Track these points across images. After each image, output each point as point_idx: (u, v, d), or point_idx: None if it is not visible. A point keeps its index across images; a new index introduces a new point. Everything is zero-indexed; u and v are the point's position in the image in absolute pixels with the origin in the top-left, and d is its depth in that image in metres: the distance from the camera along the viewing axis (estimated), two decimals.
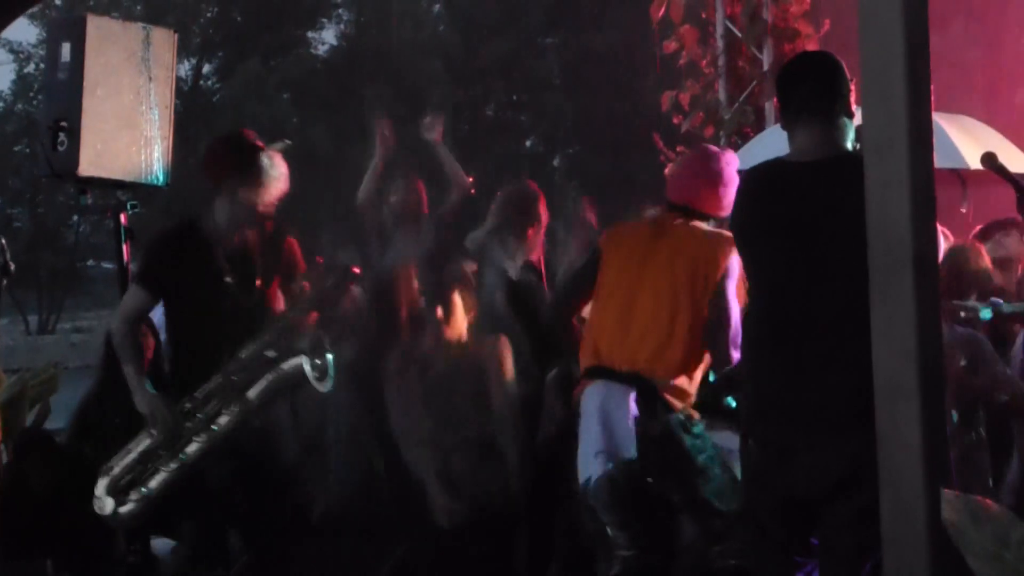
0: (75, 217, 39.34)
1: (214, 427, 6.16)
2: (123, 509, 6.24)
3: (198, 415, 6.19)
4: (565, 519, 6.81)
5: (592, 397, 6.01)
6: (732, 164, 6.26)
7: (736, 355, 5.93)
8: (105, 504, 6.26)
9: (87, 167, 6.46)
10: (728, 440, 5.99)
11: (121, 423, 6.84)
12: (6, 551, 6.81)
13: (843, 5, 11.42)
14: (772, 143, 5.32)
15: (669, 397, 5.92)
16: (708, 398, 6.15)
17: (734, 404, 6.20)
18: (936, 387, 3.54)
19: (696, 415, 6.01)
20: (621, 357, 6.00)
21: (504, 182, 8.88)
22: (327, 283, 6.40)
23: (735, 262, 5.87)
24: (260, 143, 6.36)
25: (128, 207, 6.68)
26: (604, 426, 5.90)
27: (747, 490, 5.20)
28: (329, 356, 6.27)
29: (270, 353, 6.20)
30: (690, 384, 6.02)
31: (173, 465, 6.19)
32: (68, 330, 36.77)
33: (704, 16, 13.40)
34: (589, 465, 5.97)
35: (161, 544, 6.93)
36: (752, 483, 5.06)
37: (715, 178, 6.20)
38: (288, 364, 6.18)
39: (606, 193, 22.85)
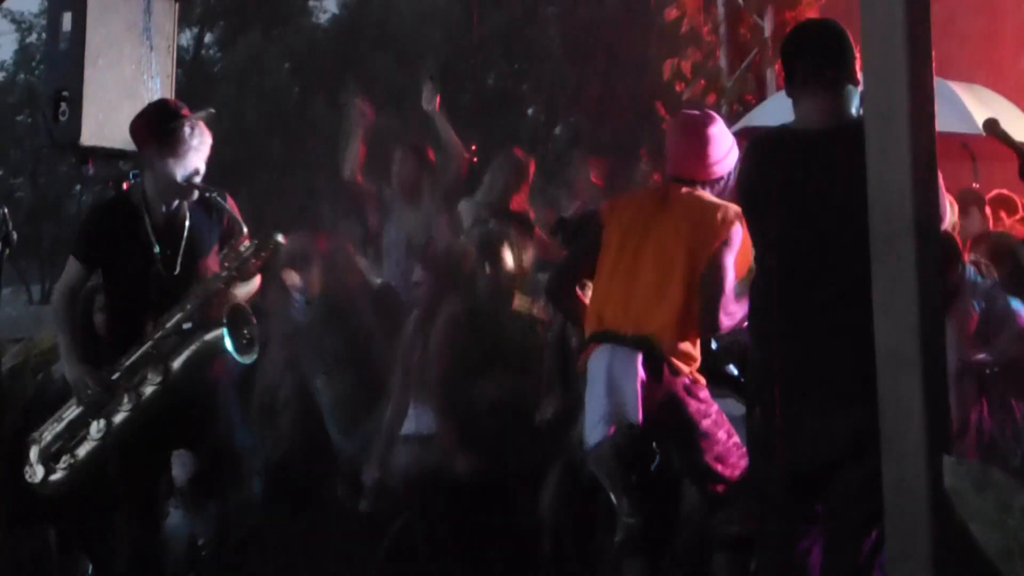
0: (77, 187, 39.32)
1: (140, 397, 6.18)
2: (52, 477, 6.32)
3: (123, 384, 6.21)
4: (563, 486, 6.82)
5: (598, 362, 5.99)
6: (710, 124, 6.19)
7: (726, 322, 5.92)
8: (36, 472, 6.30)
9: (89, 137, 6.48)
10: (731, 407, 6.01)
11: None
12: (6, 518, 6.84)
13: None
14: (775, 110, 5.31)
15: (675, 360, 5.91)
16: (711, 365, 6.15)
17: (736, 372, 6.22)
18: (937, 355, 3.55)
19: (702, 380, 6.01)
20: (626, 322, 5.99)
21: (507, 151, 8.92)
22: (246, 252, 6.36)
23: (737, 233, 5.85)
24: (185, 112, 6.31)
25: (130, 177, 6.68)
26: (609, 390, 5.88)
27: (753, 458, 5.21)
28: (253, 326, 6.28)
29: (187, 324, 6.21)
30: (695, 348, 6.01)
31: (97, 434, 6.21)
32: None
33: None
34: (594, 430, 5.96)
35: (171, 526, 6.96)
36: (758, 452, 5.07)
37: (696, 144, 6.15)
38: (210, 335, 6.19)
39: (608, 162, 22.79)
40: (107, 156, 6.78)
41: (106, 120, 6.61)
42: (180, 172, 6.21)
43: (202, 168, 6.29)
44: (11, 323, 21.44)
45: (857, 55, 4.83)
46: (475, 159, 8.92)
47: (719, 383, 6.19)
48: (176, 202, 6.31)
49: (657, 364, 5.90)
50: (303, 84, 35.62)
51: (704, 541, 6.14)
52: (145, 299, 6.28)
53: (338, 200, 9.51)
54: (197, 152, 6.25)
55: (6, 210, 6.46)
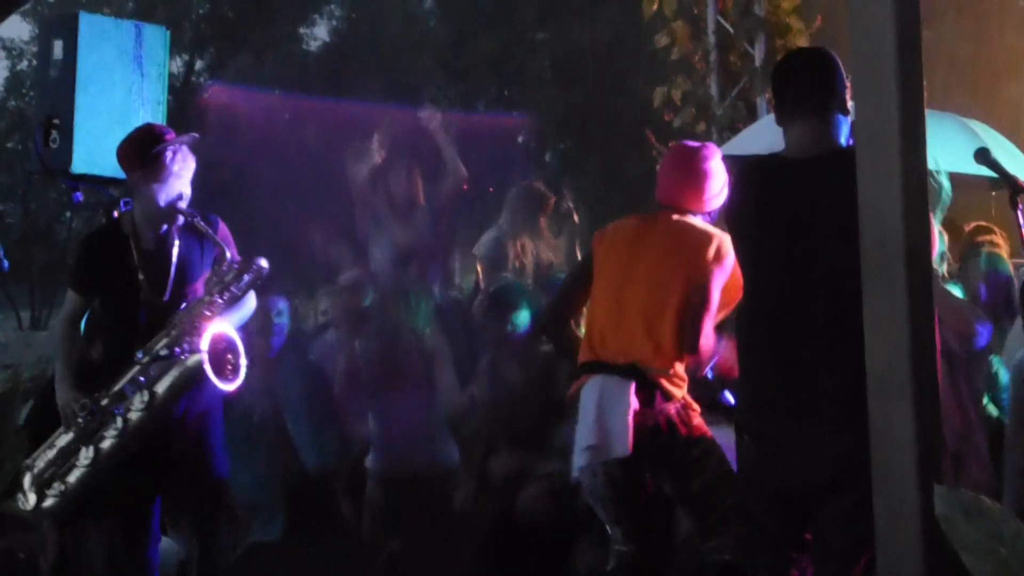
0: (67, 214, 39.30)
1: (127, 422, 6.17)
2: (45, 504, 6.31)
3: (111, 410, 6.21)
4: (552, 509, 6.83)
5: (590, 392, 5.99)
6: (710, 158, 6.21)
7: (705, 344, 5.92)
8: (29, 499, 6.30)
9: (79, 164, 6.49)
10: (725, 436, 6.00)
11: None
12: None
13: (835, 0, 11.43)
14: (761, 134, 5.32)
15: (667, 385, 5.91)
16: (704, 393, 6.15)
17: (731, 400, 6.22)
18: (929, 382, 3.54)
19: (695, 405, 6.01)
20: (616, 349, 5.99)
21: (496, 177, 8.96)
22: (227, 277, 6.34)
23: (729, 263, 5.85)
24: (169, 136, 6.31)
25: (121, 204, 6.68)
26: (599, 421, 5.88)
27: (742, 485, 5.20)
28: (237, 353, 6.27)
29: (164, 351, 6.20)
30: (684, 372, 6.01)
31: (86, 460, 6.21)
32: None
33: (696, 11, 13.43)
34: (581, 458, 5.96)
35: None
36: (747, 479, 5.06)
37: (694, 177, 6.17)
38: (191, 360, 6.18)
39: (597, 188, 22.83)
40: (97, 182, 6.78)
41: (97, 146, 6.61)
42: (163, 197, 6.21)
43: (187, 192, 6.29)
44: (1, 348, 21.40)
45: (848, 84, 4.83)
46: (465, 185, 8.94)
47: (713, 411, 6.19)
48: (164, 227, 6.30)
49: (649, 390, 5.90)
50: (293, 110, 35.67)
51: (696, 568, 6.13)
52: (135, 325, 6.28)
53: (329, 225, 9.50)
54: (179, 177, 6.25)
55: None
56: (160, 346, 6.20)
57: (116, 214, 6.70)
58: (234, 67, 36.75)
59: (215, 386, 6.25)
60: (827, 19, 12.37)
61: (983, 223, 8.22)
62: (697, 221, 6.13)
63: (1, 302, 34.61)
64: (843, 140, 4.86)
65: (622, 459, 5.84)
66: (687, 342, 5.94)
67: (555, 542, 6.83)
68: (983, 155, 5.73)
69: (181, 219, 6.28)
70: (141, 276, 6.27)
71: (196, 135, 6.43)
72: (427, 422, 7.65)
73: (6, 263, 6.71)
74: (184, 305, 6.32)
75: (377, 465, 7.67)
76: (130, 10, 34.92)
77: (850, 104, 4.79)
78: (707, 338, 5.91)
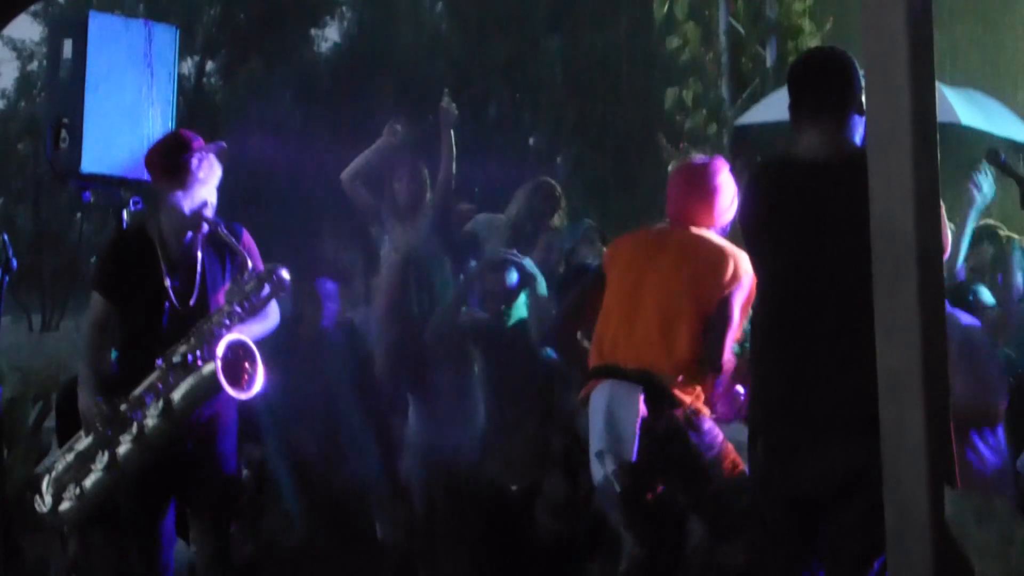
0: (78, 215, 39.37)
1: (143, 429, 6.16)
2: (61, 508, 6.31)
3: (131, 417, 6.20)
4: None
5: (599, 397, 5.98)
6: (719, 172, 6.20)
7: (730, 364, 5.92)
8: (45, 502, 6.30)
9: (89, 165, 6.47)
10: (740, 432, 5.98)
11: None
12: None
13: (846, 2, 11.42)
14: (782, 101, 5.28)
15: (676, 392, 5.89)
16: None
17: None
18: (940, 386, 3.53)
19: (705, 411, 5.99)
20: (627, 355, 5.98)
21: (508, 180, 8.95)
22: (248, 287, 6.33)
23: (748, 279, 5.83)
24: (196, 144, 6.31)
25: (131, 205, 6.67)
26: (608, 426, 5.88)
27: (755, 490, 5.19)
28: (258, 361, 6.26)
29: (178, 359, 6.19)
30: (696, 380, 5.99)
31: (101, 465, 6.19)
32: (71, 328, 36.64)
33: (707, 14, 13.42)
34: (595, 465, 5.96)
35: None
36: (760, 483, 5.04)
37: (704, 193, 6.17)
38: (206, 368, 6.16)
39: (609, 191, 22.81)
40: (107, 184, 6.76)
41: (107, 147, 6.60)
42: (188, 205, 6.21)
43: (212, 200, 6.28)
44: (12, 352, 21.41)
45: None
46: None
47: None
48: (190, 235, 6.31)
49: (659, 397, 5.89)
50: (305, 113, 35.68)
51: (709, 572, 6.12)
52: (158, 333, 6.27)
53: (340, 228, 9.49)
54: (204, 185, 6.24)
55: (6, 237, 6.45)
56: (180, 352, 6.20)
57: (132, 219, 6.68)
58: (245, 69, 36.79)
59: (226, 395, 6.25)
60: (839, 22, 12.36)
61: (990, 220, 8.22)
62: (712, 235, 6.12)
63: (11, 305, 34.62)
64: (859, 141, 4.82)
65: (634, 464, 5.83)
66: (711, 361, 5.94)
67: (567, 546, 6.81)
68: (994, 157, 5.72)
69: (206, 227, 6.28)
70: (168, 283, 6.26)
71: (223, 144, 6.42)
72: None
73: (15, 262, 6.71)
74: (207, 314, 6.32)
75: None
76: (141, 11, 35.02)
77: None
78: (729, 355, 5.91)
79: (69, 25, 6.86)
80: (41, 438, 9.05)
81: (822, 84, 4.94)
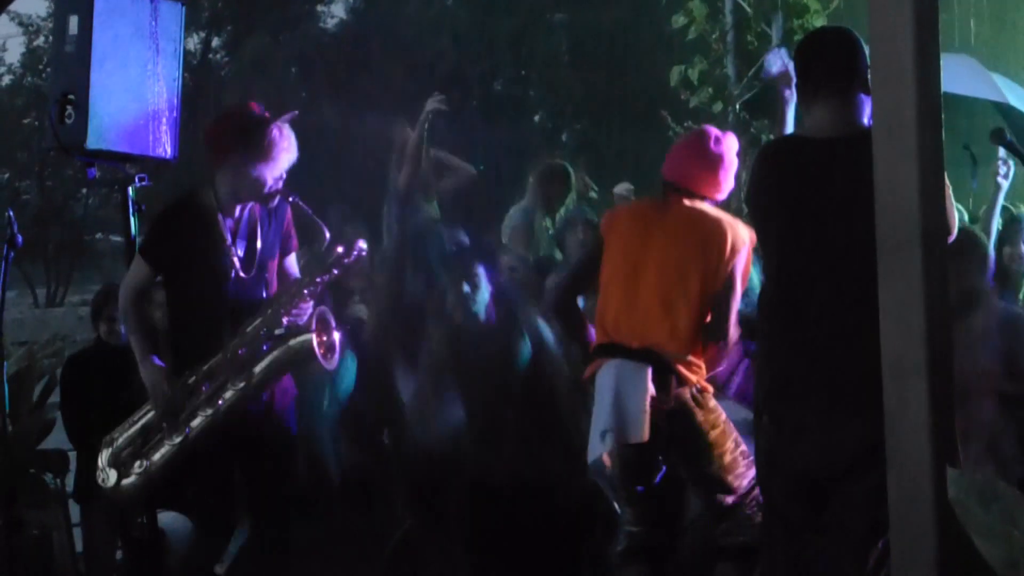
0: (83, 191, 39.43)
1: (219, 402, 6.13)
2: (126, 482, 6.21)
3: (203, 389, 6.17)
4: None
5: (606, 376, 5.97)
6: (732, 147, 6.20)
7: (735, 334, 5.92)
8: (108, 476, 6.24)
9: (95, 140, 6.43)
10: (745, 412, 5.98)
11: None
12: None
13: None
14: None
15: (682, 370, 5.88)
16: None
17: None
18: (944, 366, 3.53)
19: (710, 388, 5.99)
20: (631, 333, 5.97)
21: (512, 158, 8.95)
22: (328, 259, 6.33)
23: (745, 248, 5.85)
24: (267, 115, 6.33)
25: (136, 180, 6.66)
26: (615, 405, 5.86)
27: (760, 468, 5.19)
28: (336, 334, 6.25)
29: (279, 330, 6.18)
30: (700, 357, 5.99)
31: (176, 439, 6.15)
32: (76, 303, 36.73)
33: None
34: (596, 443, 5.95)
35: (168, 518, 6.90)
36: (765, 461, 5.05)
37: (714, 161, 6.13)
38: (296, 340, 6.14)
39: (614, 169, 22.80)
40: (113, 159, 6.73)
41: (112, 123, 6.56)
42: (270, 174, 6.21)
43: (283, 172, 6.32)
44: (16, 326, 21.45)
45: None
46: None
47: None
48: (249, 205, 6.32)
49: (665, 374, 5.88)
50: (310, 89, 35.66)
51: (709, 550, 6.13)
52: (223, 302, 6.24)
53: (346, 204, 9.50)
54: (287, 153, 6.25)
55: (12, 212, 6.43)
56: (256, 325, 6.17)
57: (137, 194, 6.66)
58: (251, 44, 36.78)
59: (316, 367, 6.24)
60: None
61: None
62: (708, 207, 6.11)
63: (16, 280, 34.74)
64: (866, 120, 4.82)
65: (635, 443, 5.83)
66: (717, 330, 5.93)
67: (565, 525, 6.81)
68: (998, 136, 5.71)
69: (276, 199, 6.29)
70: (234, 252, 6.25)
71: (296, 112, 6.44)
72: None
73: (20, 238, 6.69)
74: (275, 285, 6.35)
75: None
76: None
77: None
78: (734, 325, 5.91)
79: (75, 0, 6.83)
80: (45, 413, 9.07)
81: (828, 63, 4.94)
